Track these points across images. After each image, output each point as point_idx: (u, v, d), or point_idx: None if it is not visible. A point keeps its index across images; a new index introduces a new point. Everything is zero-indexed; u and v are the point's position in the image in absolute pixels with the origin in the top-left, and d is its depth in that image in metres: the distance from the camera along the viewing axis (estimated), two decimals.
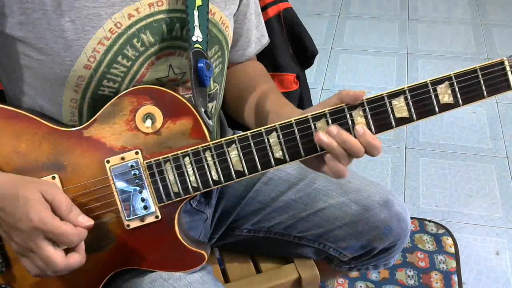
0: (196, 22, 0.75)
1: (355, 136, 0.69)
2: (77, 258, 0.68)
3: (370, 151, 0.69)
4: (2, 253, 0.75)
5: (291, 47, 1.15)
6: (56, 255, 0.66)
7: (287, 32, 1.13)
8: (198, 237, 0.95)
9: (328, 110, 0.70)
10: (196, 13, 0.75)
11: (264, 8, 1.09)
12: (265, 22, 1.06)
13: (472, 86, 0.69)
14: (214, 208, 0.99)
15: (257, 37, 0.98)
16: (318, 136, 0.69)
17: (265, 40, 1.00)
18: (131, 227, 0.74)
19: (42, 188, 0.67)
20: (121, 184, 0.73)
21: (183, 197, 0.74)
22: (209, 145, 0.72)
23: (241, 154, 0.72)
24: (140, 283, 0.79)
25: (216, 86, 0.87)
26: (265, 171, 0.72)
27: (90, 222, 0.68)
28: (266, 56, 1.05)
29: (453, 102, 0.69)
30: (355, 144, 0.68)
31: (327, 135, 0.69)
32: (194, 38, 0.74)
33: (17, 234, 0.66)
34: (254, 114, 0.89)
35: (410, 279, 1.58)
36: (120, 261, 0.77)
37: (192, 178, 0.73)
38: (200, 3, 0.75)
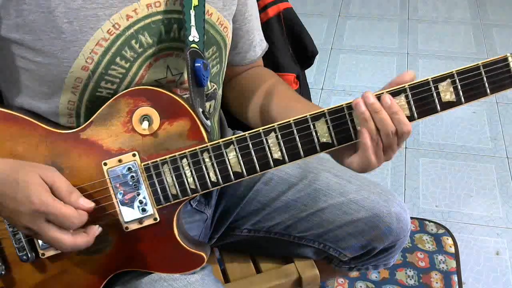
0: (193, 22, 0.74)
1: None
2: (84, 238, 0.69)
3: (400, 128, 0.68)
4: (2, 256, 0.74)
5: (291, 47, 1.15)
6: (61, 235, 0.67)
7: (287, 32, 1.13)
8: (198, 237, 0.95)
9: (327, 110, 0.70)
10: (192, 13, 0.74)
11: (264, 8, 1.09)
12: (265, 22, 1.06)
13: (475, 83, 0.67)
14: (214, 208, 0.98)
15: (258, 40, 0.97)
16: (355, 101, 0.68)
17: (265, 44, 0.99)
18: (129, 229, 0.74)
19: (42, 172, 0.67)
20: (119, 187, 0.73)
21: (181, 199, 0.73)
22: (207, 146, 0.71)
23: (239, 155, 0.71)
24: (140, 284, 0.79)
25: (213, 86, 0.87)
26: (264, 172, 0.72)
27: (90, 204, 0.69)
28: (266, 56, 1.05)
29: (455, 100, 0.68)
30: (386, 118, 0.67)
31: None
32: (190, 38, 0.73)
33: (20, 217, 0.66)
34: (259, 112, 0.89)
35: (410, 279, 1.58)
36: (119, 264, 0.77)
37: (190, 179, 0.72)
38: (197, 3, 0.75)
